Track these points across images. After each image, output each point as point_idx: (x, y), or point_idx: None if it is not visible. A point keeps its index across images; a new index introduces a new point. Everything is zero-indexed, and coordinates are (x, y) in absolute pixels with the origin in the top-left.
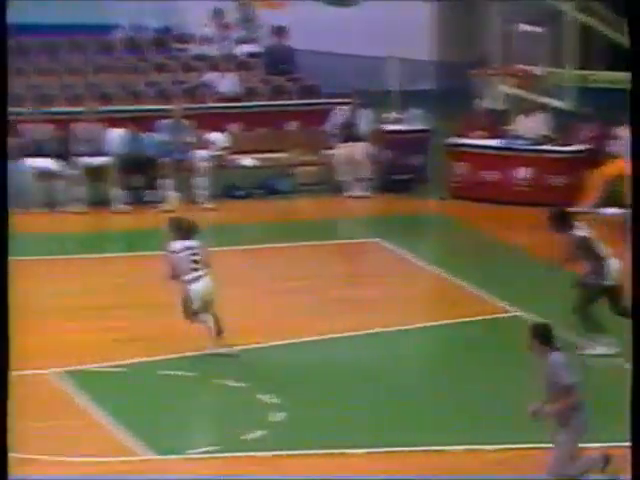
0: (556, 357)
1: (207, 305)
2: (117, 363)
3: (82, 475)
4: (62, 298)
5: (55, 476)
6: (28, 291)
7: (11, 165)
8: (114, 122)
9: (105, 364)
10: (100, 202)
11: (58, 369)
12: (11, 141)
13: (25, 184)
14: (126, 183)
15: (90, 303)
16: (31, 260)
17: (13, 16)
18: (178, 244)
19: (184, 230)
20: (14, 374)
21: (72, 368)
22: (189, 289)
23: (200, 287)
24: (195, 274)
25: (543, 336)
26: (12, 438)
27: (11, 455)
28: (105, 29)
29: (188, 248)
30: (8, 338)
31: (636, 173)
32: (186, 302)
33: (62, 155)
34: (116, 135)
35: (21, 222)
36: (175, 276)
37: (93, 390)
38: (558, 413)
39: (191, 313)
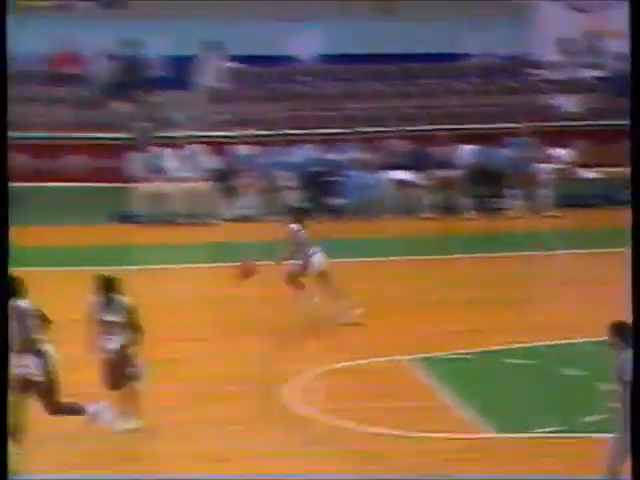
0: (626, 355)
1: (322, 275)
2: (464, 351)
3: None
4: (416, 294)
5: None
6: (385, 288)
7: (373, 176)
8: (464, 139)
9: (453, 352)
10: (450, 209)
11: (412, 356)
12: (372, 156)
13: (385, 193)
14: (474, 193)
15: (441, 297)
16: (393, 260)
17: (370, 47)
18: (296, 225)
19: (300, 215)
20: (371, 360)
21: (424, 355)
22: (311, 262)
23: (318, 260)
24: (313, 249)
25: (623, 333)
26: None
27: (361, 428)
28: (455, 57)
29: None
30: (8, 339)
31: (635, 172)
32: (309, 269)
33: (418, 167)
34: (467, 150)
35: (373, 227)
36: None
37: (443, 375)
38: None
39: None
